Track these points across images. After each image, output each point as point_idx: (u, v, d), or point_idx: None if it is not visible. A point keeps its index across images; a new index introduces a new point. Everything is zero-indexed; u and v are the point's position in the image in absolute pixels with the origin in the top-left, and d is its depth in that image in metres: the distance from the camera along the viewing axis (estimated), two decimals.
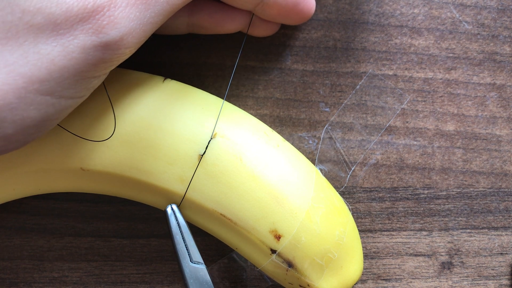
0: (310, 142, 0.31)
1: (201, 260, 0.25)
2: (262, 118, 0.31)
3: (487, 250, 0.32)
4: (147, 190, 0.26)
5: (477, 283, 0.31)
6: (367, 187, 0.31)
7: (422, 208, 0.31)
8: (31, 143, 0.25)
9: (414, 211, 0.31)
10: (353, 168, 0.31)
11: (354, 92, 0.31)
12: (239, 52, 0.31)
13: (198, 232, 0.31)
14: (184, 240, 0.25)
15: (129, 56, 0.22)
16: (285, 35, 0.31)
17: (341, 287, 0.27)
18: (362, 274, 0.31)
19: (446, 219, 0.32)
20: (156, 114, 0.25)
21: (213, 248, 0.31)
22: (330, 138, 0.31)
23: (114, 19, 0.20)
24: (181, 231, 0.25)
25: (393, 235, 0.31)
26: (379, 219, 0.31)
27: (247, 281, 0.30)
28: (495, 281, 0.31)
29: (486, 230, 0.32)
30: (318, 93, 0.31)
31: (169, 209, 0.25)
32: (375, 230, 0.31)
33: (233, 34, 0.31)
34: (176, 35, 0.30)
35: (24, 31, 0.19)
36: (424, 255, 0.31)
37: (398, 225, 0.31)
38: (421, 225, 0.31)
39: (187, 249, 0.25)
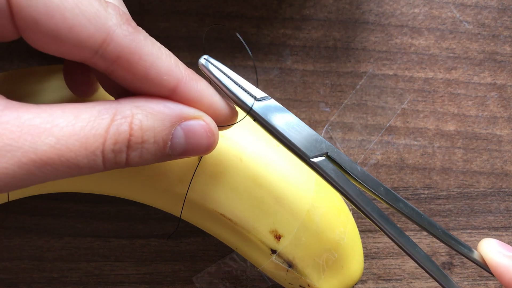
0: None
1: (265, 94, 0.21)
2: None
3: None
4: (147, 190, 0.26)
5: (478, 284, 0.31)
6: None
7: (422, 208, 0.31)
8: None
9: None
10: None
11: (354, 92, 0.31)
12: (237, 52, 0.31)
13: (198, 232, 0.31)
14: (236, 83, 0.21)
15: None
16: (285, 35, 0.31)
17: (342, 287, 0.27)
18: (363, 274, 0.31)
19: (447, 219, 0.31)
20: None
21: (213, 248, 0.31)
22: (330, 138, 0.31)
23: None
24: (226, 75, 0.21)
25: None
26: None
27: (247, 281, 0.30)
28: (496, 281, 0.31)
29: (487, 230, 0.32)
30: (318, 93, 0.31)
31: (202, 60, 0.21)
32: (375, 230, 0.31)
33: (234, 33, 0.31)
34: (175, 35, 0.30)
35: None
36: None
37: (398, 225, 0.31)
38: None
39: (245, 91, 0.21)
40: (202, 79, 0.20)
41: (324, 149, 0.22)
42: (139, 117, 0.18)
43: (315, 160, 0.22)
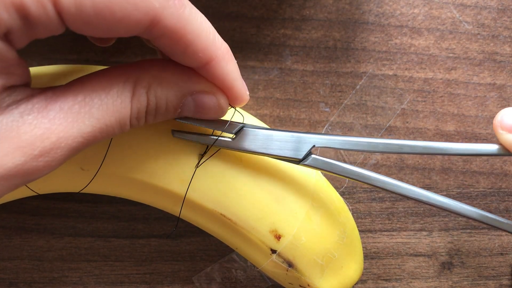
0: None
1: (238, 123, 0.24)
2: (262, 118, 0.31)
3: (487, 250, 0.32)
4: (147, 190, 0.26)
5: (477, 283, 0.31)
6: (367, 187, 0.31)
7: (422, 208, 0.31)
8: None
9: (414, 211, 0.31)
10: None
11: (354, 92, 0.31)
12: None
13: (198, 232, 0.31)
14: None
15: None
16: (285, 35, 0.31)
17: (341, 287, 0.27)
18: (362, 274, 0.31)
19: (446, 219, 0.31)
20: None
21: (213, 248, 0.31)
22: None
23: None
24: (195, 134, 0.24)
25: (393, 235, 0.31)
26: (379, 219, 0.31)
27: (247, 281, 0.30)
28: (495, 281, 0.31)
29: (486, 230, 0.32)
30: (318, 93, 0.31)
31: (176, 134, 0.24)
32: (375, 230, 0.31)
33: (236, 33, 0.31)
34: None
35: None
36: (424, 255, 0.31)
37: (398, 225, 0.31)
38: (421, 225, 0.31)
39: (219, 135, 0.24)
40: (233, 60, 0.21)
41: (311, 143, 0.24)
42: (154, 87, 0.20)
43: (306, 162, 0.24)
